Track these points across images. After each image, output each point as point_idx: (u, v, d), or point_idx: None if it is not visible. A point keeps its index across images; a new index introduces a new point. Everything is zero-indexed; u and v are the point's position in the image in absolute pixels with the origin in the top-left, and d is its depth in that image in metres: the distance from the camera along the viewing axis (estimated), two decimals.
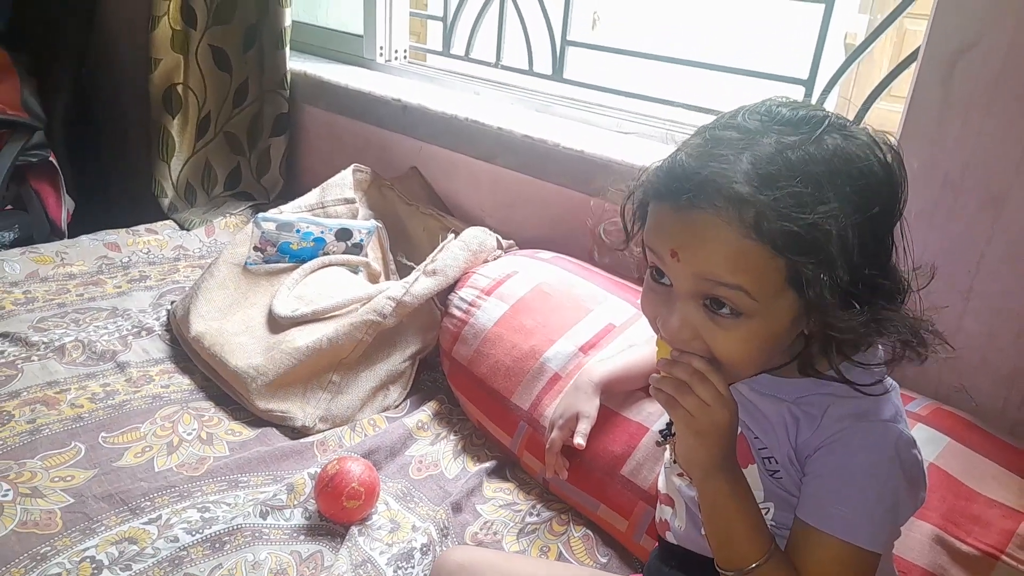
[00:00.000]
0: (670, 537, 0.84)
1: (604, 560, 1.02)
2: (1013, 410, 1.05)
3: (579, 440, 1.00)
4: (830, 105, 1.31)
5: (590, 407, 1.03)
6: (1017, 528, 0.83)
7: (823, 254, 0.60)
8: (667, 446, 0.87)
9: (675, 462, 0.82)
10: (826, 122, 0.63)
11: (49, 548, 0.94)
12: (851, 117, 1.23)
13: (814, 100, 1.29)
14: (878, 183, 0.63)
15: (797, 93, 1.31)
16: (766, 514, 0.73)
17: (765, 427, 0.71)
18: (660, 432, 0.88)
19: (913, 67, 1.05)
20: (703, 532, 0.78)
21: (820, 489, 0.67)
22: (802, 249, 0.60)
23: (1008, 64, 0.95)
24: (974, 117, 0.99)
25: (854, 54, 1.26)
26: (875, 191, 0.62)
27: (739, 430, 0.73)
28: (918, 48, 1.03)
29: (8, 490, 1.02)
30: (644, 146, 1.42)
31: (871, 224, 0.62)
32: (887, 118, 1.14)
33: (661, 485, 0.88)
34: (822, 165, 0.61)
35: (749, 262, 0.61)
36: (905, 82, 1.09)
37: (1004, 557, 0.82)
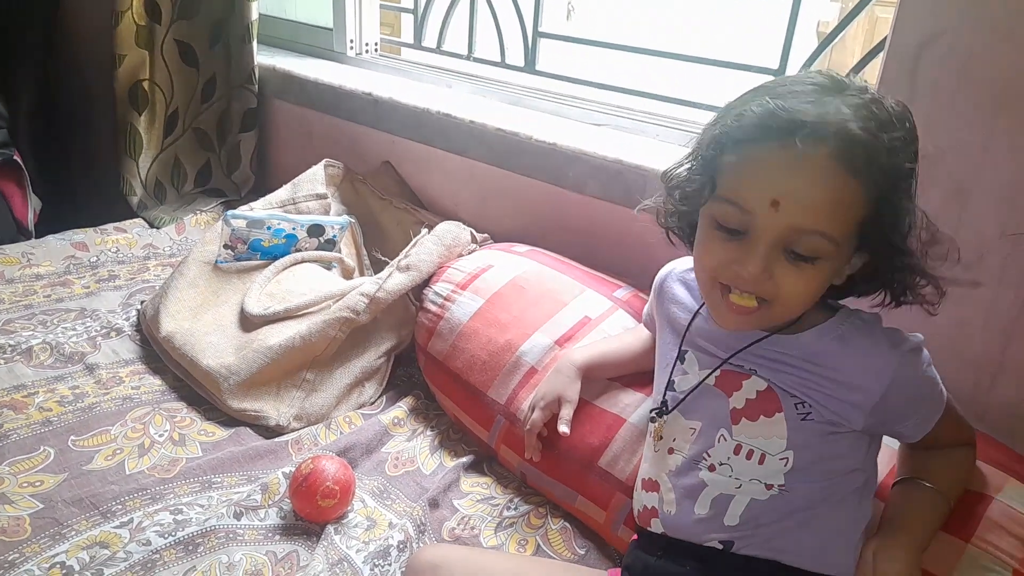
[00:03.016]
0: (656, 526, 0.84)
1: (582, 552, 1.02)
2: (983, 396, 1.06)
3: (563, 428, 1.00)
4: None
5: (572, 391, 1.03)
6: (985, 512, 0.85)
7: (910, 193, 0.69)
8: (653, 428, 0.87)
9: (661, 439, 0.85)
10: (864, 85, 0.70)
11: (17, 555, 0.93)
12: None
13: None
14: (914, 139, 0.70)
15: None
16: (785, 466, 0.76)
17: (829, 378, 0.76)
18: (652, 411, 0.88)
19: (880, 57, 1.05)
20: (697, 514, 0.79)
21: (914, 406, 0.78)
22: (900, 188, 0.67)
23: (972, 56, 0.96)
24: (939, 109, 1.00)
25: (824, 42, 1.27)
26: (914, 143, 0.70)
27: (765, 385, 0.78)
28: (885, 38, 1.04)
29: None
30: (616, 138, 1.42)
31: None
32: None
33: (644, 471, 0.88)
34: (895, 117, 0.68)
35: (843, 206, 0.66)
36: (877, 69, 1.09)
37: (973, 540, 0.83)
